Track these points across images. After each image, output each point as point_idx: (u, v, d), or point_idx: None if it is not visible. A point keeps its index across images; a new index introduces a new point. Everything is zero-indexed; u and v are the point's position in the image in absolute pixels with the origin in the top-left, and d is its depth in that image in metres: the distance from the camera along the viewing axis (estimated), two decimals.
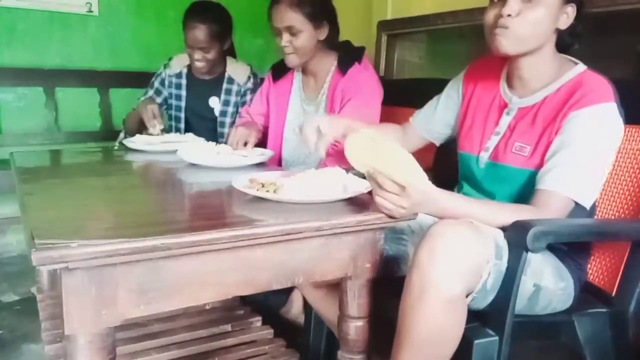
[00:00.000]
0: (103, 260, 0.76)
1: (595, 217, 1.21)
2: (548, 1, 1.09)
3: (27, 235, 0.78)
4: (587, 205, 1.06)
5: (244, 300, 1.80)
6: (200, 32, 2.03)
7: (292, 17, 1.62)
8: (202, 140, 1.89)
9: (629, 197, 1.15)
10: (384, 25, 2.61)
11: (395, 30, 2.54)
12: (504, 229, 1.00)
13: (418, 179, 0.95)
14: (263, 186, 1.07)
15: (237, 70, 2.21)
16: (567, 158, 1.05)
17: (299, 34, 1.64)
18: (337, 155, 1.52)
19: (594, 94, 1.06)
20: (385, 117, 1.73)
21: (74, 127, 2.99)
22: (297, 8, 1.62)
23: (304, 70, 1.83)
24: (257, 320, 1.70)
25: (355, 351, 1.08)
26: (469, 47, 2.32)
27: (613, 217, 1.19)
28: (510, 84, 1.22)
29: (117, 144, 1.91)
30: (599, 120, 1.05)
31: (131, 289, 0.81)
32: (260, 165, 1.54)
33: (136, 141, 1.82)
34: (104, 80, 3.00)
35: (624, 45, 1.78)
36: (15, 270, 2.42)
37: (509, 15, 1.08)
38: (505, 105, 1.21)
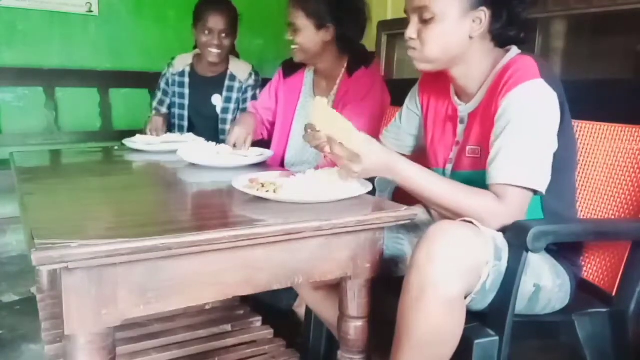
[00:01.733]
0: (103, 260, 0.76)
1: (592, 216, 1.21)
2: (445, 17, 1.08)
3: (27, 235, 0.78)
4: (542, 189, 1.03)
5: (244, 300, 1.80)
6: (223, 15, 2.10)
7: (295, 14, 1.66)
8: (202, 140, 1.89)
9: (629, 197, 1.15)
10: (384, 25, 2.61)
11: (395, 30, 2.54)
12: (503, 229, 1.00)
13: (367, 146, 1.03)
14: (263, 186, 1.07)
15: (239, 68, 2.25)
16: (506, 144, 1.02)
17: (299, 32, 1.67)
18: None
19: (518, 75, 1.04)
20: (386, 118, 1.73)
21: (74, 127, 2.99)
22: (299, 6, 1.65)
23: (316, 70, 1.84)
24: (257, 320, 1.70)
25: (355, 351, 1.08)
26: None
27: (613, 217, 1.19)
28: (457, 93, 1.22)
29: (115, 147, 1.92)
30: (526, 99, 1.02)
31: (131, 289, 0.81)
32: (260, 165, 1.54)
33: (136, 141, 1.82)
34: (104, 80, 3.00)
35: (624, 45, 1.78)
36: (15, 270, 2.42)
37: (411, 38, 1.12)
38: (457, 115, 1.20)
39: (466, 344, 0.96)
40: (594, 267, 1.20)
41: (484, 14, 1.09)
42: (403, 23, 1.19)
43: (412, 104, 1.37)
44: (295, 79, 1.87)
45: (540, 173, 1.02)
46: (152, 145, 1.80)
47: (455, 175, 1.18)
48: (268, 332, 1.66)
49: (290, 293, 1.82)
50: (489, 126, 1.08)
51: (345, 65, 1.76)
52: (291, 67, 1.88)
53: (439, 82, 1.26)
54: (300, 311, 1.83)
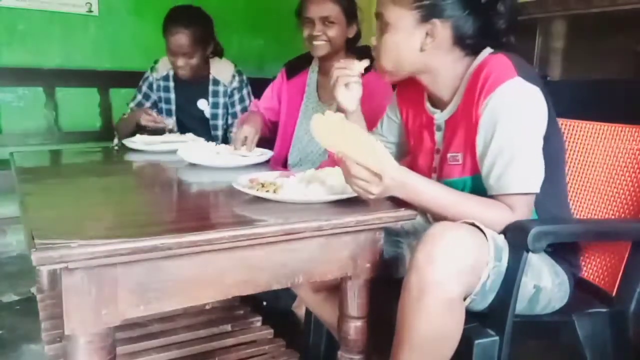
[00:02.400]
0: (103, 260, 0.76)
1: (592, 216, 1.21)
2: (397, 28, 1.08)
3: (27, 235, 0.78)
4: (537, 189, 1.02)
5: (244, 300, 1.80)
6: (183, 38, 2.01)
7: (331, 8, 1.69)
8: (202, 140, 1.89)
9: (629, 197, 1.15)
10: None
11: None
12: (503, 230, 1.00)
13: (389, 166, 0.96)
14: (263, 186, 1.07)
15: (220, 71, 2.19)
16: (499, 153, 1.00)
17: (333, 26, 1.69)
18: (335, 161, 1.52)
19: (493, 77, 1.00)
20: None
21: (74, 127, 2.99)
22: (337, 1, 1.68)
23: (322, 71, 1.83)
24: (257, 320, 1.70)
25: (355, 351, 1.08)
26: None
27: (613, 217, 1.19)
28: (431, 101, 1.20)
29: (115, 147, 1.91)
30: (508, 101, 0.99)
31: (131, 289, 0.81)
32: (261, 165, 1.54)
33: (136, 141, 1.82)
34: (104, 80, 3.00)
35: (624, 45, 1.78)
36: (15, 270, 2.42)
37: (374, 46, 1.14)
38: (433, 123, 1.18)
39: (466, 344, 0.96)
40: (594, 267, 1.20)
41: (435, 27, 1.06)
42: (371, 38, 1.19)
43: (392, 113, 1.35)
44: (298, 80, 1.87)
45: (536, 174, 1.02)
46: (152, 145, 1.80)
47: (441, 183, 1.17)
48: (268, 332, 1.66)
49: (289, 293, 1.82)
50: (471, 132, 1.06)
51: None
52: (294, 68, 1.88)
53: (413, 89, 1.24)
54: (300, 312, 1.83)
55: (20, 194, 1.11)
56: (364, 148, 0.95)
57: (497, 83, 1.00)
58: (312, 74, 1.87)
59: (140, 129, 2.02)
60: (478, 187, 1.07)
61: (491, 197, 1.04)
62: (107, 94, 3.04)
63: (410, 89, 1.25)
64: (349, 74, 1.27)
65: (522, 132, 1.01)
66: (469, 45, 1.09)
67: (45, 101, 2.90)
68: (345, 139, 0.96)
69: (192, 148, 1.60)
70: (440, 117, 1.17)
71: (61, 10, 2.87)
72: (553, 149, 1.06)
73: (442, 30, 1.06)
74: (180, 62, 2.06)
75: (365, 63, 1.28)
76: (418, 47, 1.08)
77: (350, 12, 1.72)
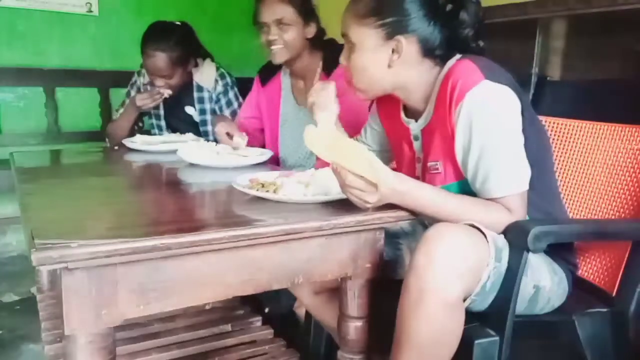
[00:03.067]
0: (103, 260, 0.76)
1: (592, 216, 1.21)
2: (362, 47, 1.09)
3: (27, 235, 0.78)
4: (527, 185, 1.02)
5: (244, 300, 1.80)
6: (159, 61, 1.96)
7: (284, 10, 1.61)
8: (202, 140, 1.89)
9: (629, 197, 1.15)
10: None
11: None
12: (503, 230, 1.00)
13: (384, 175, 0.95)
14: (263, 186, 1.07)
15: (203, 76, 2.12)
16: (481, 159, 1.00)
17: (289, 28, 1.62)
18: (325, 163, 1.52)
19: (461, 84, 1.00)
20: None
21: (74, 127, 2.99)
22: (289, 2, 1.61)
23: (292, 73, 1.80)
24: (257, 320, 1.70)
25: (355, 351, 1.08)
26: None
27: (613, 217, 1.19)
28: (405, 112, 1.20)
29: (115, 147, 1.91)
30: (479, 105, 0.99)
31: (131, 289, 0.80)
32: (260, 165, 1.54)
33: (136, 141, 1.82)
34: (104, 80, 3.00)
35: (624, 45, 1.78)
36: (15, 270, 2.42)
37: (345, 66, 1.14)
38: (410, 132, 1.18)
39: (466, 344, 0.96)
40: (594, 267, 1.20)
41: (400, 44, 1.06)
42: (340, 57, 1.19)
43: (374, 121, 1.35)
44: (273, 85, 1.84)
45: (523, 170, 1.02)
46: (152, 145, 1.80)
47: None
48: (268, 332, 1.66)
49: (289, 294, 1.82)
50: (447, 140, 1.06)
51: (321, 63, 1.72)
52: (267, 75, 1.85)
53: (389, 101, 1.23)
54: (301, 312, 1.83)
55: (20, 194, 1.11)
56: (358, 158, 0.95)
57: (465, 89, 1.00)
58: (284, 78, 1.84)
59: (137, 129, 2.01)
60: (464, 193, 1.06)
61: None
62: (107, 94, 3.04)
63: (386, 101, 1.25)
64: (326, 101, 1.29)
65: (499, 132, 1.00)
66: (438, 55, 1.09)
67: (45, 101, 2.90)
68: (338, 150, 0.96)
69: (192, 148, 1.60)
70: (415, 127, 1.17)
71: (61, 10, 2.87)
72: (536, 147, 1.06)
73: (408, 45, 1.07)
74: (159, 82, 2.03)
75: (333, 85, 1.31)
76: (386, 64, 1.09)
77: (305, 11, 1.64)
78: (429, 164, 1.12)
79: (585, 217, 1.23)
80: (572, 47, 2.01)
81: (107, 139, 2.27)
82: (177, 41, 1.99)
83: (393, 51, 1.07)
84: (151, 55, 1.96)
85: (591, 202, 1.22)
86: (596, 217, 1.21)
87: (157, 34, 1.98)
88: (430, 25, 1.06)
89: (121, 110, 2.23)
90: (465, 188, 1.06)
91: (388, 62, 1.08)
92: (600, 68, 1.73)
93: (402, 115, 1.20)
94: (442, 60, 1.10)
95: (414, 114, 1.17)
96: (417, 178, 1.17)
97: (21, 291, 2.20)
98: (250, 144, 1.80)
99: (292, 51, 1.67)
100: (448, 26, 1.07)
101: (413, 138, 1.18)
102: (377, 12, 1.07)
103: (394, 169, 1.14)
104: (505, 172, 1.00)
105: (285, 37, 1.63)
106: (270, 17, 1.62)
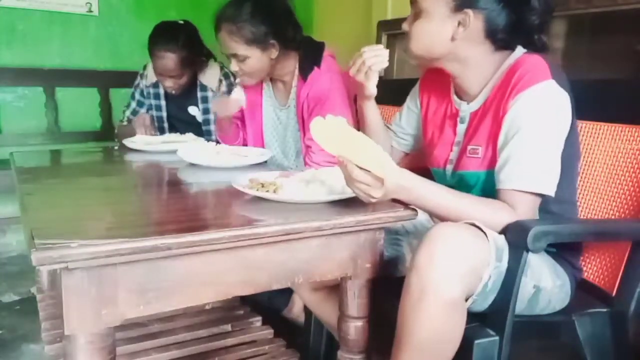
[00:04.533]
0: (103, 260, 0.76)
1: (592, 216, 1.21)
2: (430, 14, 1.09)
3: (27, 235, 0.78)
4: (552, 193, 1.02)
5: (244, 300, 1.80)
6: (169, 62, 1.97)
7: (234, 46, 1.57)
8: (202, 140, 1.89)
9: (629, 197, 1.15)
10: (384, 25, 2.61)
11: (395, 30, 2.54)
12: (503, 230, 1.00)
13: (391, 170, 0.95)
14: (263, 186, 1.07)
15: (207, 76, 2.13)
16: (517, 149, 1.02)
17: (246, 60, 1.59)
18: (316, 164, 1.52)
19: (528, 76, 1.02)
20: (385, 117, 1.73)
21: (74, 127, 3.00)
22: (237, 36, 1.56)
23: (272, 78, 1.79)
24: (257, 320, 1.70)
25: (355, 351, 1.08)
26: None
27: (613, 217, 1.19)
28: (457, 92, 1.21)
29: (115, 147, 1.91)
30: (538, 101, 1.01)
31: (131, 289, 0.80)
32: (260, 165, 1.54)
33: (136, 141, 1.82)
34: (104, 80, 3.01)
35: (624, 45, 1.78)
36: (15, 270, 2.42)
37: (406, 31, 1.15)
38: (458, 114, 1.19)
39: (466, 344, 0.96)
40: (594, 267, 1.20)
41: (467, 17, 1.07)
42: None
43: (412, 103, 1.36)
44: (254, 88, 1.81)
45: (549, 176, 1.02)
46: (152, 145, 1.80)
47: (456, 176, 1.18)
48: (268, 332, 1.66)
49: (282, 300, 1.83)
50: (495, 127, 1.07)
51: (297, 65, 1.70)
52: None
53: (440, 80, 1.25)
54: (291, 316, 1.84)
55: (20, 194, 1.11)
56: (365, 152, 0.95)
57: (530, 82, 1.01)
58: (265, 80, 1.81)
59: None
60: (491, 183, 1.07)
61: (497, 191, 1.04)
62: (107, 94, 3.04)
63: (436, 79, 1.26)
64: (382, 62, 1.24)
65: (544, 134, 1.01)
66: (500, 39, 1.10)
67: (45, 101, 2.90)
68: (345, 142, 0.96)
69: (192, 148, 1.60)
70: (466, 109, 1.17)
71: (61, 10, 2.88)
72: (568, 155, 1.07)
73: (475, 21, 1.07)
74: (169, 82, 2.04)
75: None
76: (450, 35, 1.09)
77: (258, 40, 1.57)
78: (470, 147, 1.13)
79: (585, 217, 1.23)
80: (572, 47, 2.01)
81: (116, 140, 2.28)
82: (185, 41, 2.00)
83: (459, 24, 1.08)
84: (161, 56, 1.97)
85: (591, 202, 1.22)
86: (596, 217, 1.21)
87: (165, 35, 1.99)
88: (499, 5, 1.07)
89: (127, 112, 2.24)
90: (492, 178, 1.07)
91: (452, 34, 1.09)
92: (600, 68, 1.73)
93: (454, 96, 1.21)
94: (503, 46, 1.11)
95: (463, 96, 1.18)
96: (450, 161, 1.19)
97: (21, 291, 2.20)
98: (238, 143, 1.81)
99: (257, 75, 1.66)
100: (517, 10, 1.08)
101: (460, 120, 1.19)
102: None
103: (404, 164, 1.15)
104: (530, 170, 1.01)
105: (245, 69, 1.62)
106: (226, 51, 1.61)
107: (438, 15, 1.09)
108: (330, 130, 0.97)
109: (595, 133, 1.24)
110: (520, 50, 1.11)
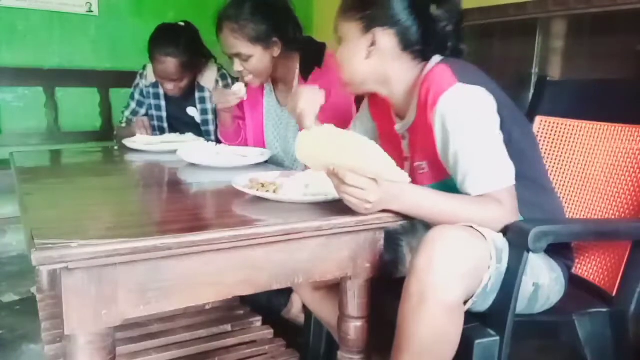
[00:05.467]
0: (103, 260, 0.76)
1: (592, 216, 1.21)
2: (346, 39, 1.14)
3: (27, 235, 0.78)
4: (513, 180, 1.02)
5: (244, 300, 1.80)
6: (170, 67, 1.97)
7: (237, 44, 1.58)
8: (201, 140, 1.89)
9: (629, 197, 1.15)
10: None
11: None
12: (503, 230, 1.00)
13: (389, 170, 0.94)
14: (263, 186, 1.07)
15: (205, 76, 2.13)
16: (464, 157, 1.01)
17: (249, 59, 1.59)
18: None
19: (434, 88, 1.03)
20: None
21: (74, 127, 2.99)
22: (239, 35, 1.56)
23: (272, 80, 1.79)
24: (257, 320, 1.70)
25: (355, 351, 1.08)
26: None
27: (613, 217, 1.19)
28: (395, 111, 1.22)
29: (115, 147, 1.91)
30: (454, 107, 1.01)
31: (131, 289, 0.80)
32: (260, 165, 1.54)
33: (136, 141, 1.82)
34: (104, 80, 3.00)
35: (624, 45, 1.78)
36: (15, 270, 2.43)
37: None
38: (396, 133, 1.21)
39: (466, 344, 0.96)
40: (594, 267, 1.20)
41: (377, 35, 1.10)
42: None
43: (365, 117, 1.36)
44: (255, 88, 1.81)
45: (505, 165, 1.02)
46: (152, 145, 1.80)
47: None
48: (268, 332, 1.66)
49: (281, 300, 1.83)
50: (429, 140, 1.07)
51: (298, 65, 1.70)
52: None
53: (382, 99, 1.25)
54: (290, 317, 1.84)
55: (20, 194, 1.11)
56: (356, 153, 0.92)
57: (439, 93, 1.02)
58: (266, 84, 1.82)
59: None
60: (452, 191, 1.05)
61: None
62: (107, 94, 3.04)
63: (379, 99, 1.26)
64: (315, 107, 1.33)
65: (472, 132, 1.01)
66: (417, 51, 1.12)
67: (45, 101, 2.90)
68: (335, 149, 0.94)
69: (192, 148, 1.60)
70: (401, 126, 1.19)
71: (61, 10, 2.87)
72: (522, 144, 1.07)
73: (384, 37, 1.10)
74: (169, 86, 2.05)
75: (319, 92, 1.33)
76: (364, 55, 1.13)
77: (261, 38, 1.57)
78: (416, 163, 1.14)
79: (585, 217, 1.23)
80: (572, 47, 2.01)
81: (115, 141, 2.28)
82: (186, 44, 1.99)
83: (371, 44, 1.11)
84: (161, 61, 1.97)
85: (591, 202, 1.22)
86: (596, 217, 1.21)
87: (166, 39, 1.97)
88: (409, 19, 1.09)
89: (127, 113, 2.23)
90: (447, 188, 1.06)
91: (366, 54, 1.12)
92: (600, 68, 1.73)
93: (393, 114, 1.23)
94: (421, 57, 1.13)
95: (400, 113, 1.20)
96: (410, 177, 1.17)
97: (21, 291, 2.20)
98: (240, 143, 1.81)
99: (262, 75, 1.66)
100: (425, 21, 1.10)
101: (402, 137, 1.20)
102: (358, 5, 1.12)
103: None
104: (483, 170, 1.01)
105: (249, 68, 1.62)
106: (229, 51, 1.61)
107: (352, 39, 1.13)
108: (317, 141, 0.96)
109: (595, 133, 1.24)
110: (434, 60, 1.11)
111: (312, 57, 1.68)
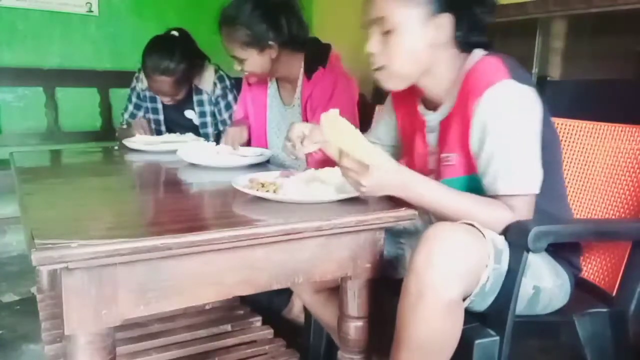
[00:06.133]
0: (103, 260, 0.75)
1: (592, 216, 1.21)
2: (406, 27, 1.04)
3: (27, 235, 0.78)
4: (537, 189, 1.01)
5: (244, 300, 1.80)
6: (164, 85, 1.97)
7: (232, 47, 1.61)
8: (201, 140, 1.89)
9: (629, 197, 1.15)
10: None
11: None
12: (503, 230, 1.00)
13: (378, 156, 0.98)
14: (263, 186, 1.07)
15: (202, 79, 2.11)
16: (495, 153, 1.00)
17: (244, 61, 1.62)
18: (318, 164, 1.51)
19: (484, 79, 1.00)
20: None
21: (74, 127, 2.99)
22: (233, 38, 1.59)
23: (276, 78, 1.80)
24: (257, 320, 1.70)
25: (355, 351, 1.08)
26: None
27: (613, 217, 1.19)
28: (424, 102, 1.19)
29: (115, 148, 1.91)
30: (501, 102, 0.99)
31: (131, 289, 0.80)
32: (260, 165, 1.54)
33: (136, 141, 1.82)
34: (104, 80, 3.00)
35: (624, 45, 1.78)
36: (15, 270, 2.43)
37: (373, 54, 1.08)
38: (425, 125, 1.18)
39: (466, 344, 0.96)
40: (594, 267, 1.20)
41: (446, 19, 1.05)
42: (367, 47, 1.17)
43: (388, 114, 1.35)
44: (259, 85, 1.84)
45: (535, 174, 1.01)
46: (152, 145, 1.80)
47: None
48: (268, 332, 1.66)
49: (281, 300, 1.83)
50: (464, 133, 1.06)
51: (303, 65, 1.71)
52: None
53: (407, 92, 1.22)
54: (291, 316, 1.84)
55: (20, 194, 1.11)
56: (353, 140, 0.98)
57: (487, 85, 1.00)
58: (271, 83, 1.83)
59: None
60: (475, 187, 1.06)
61: (490, 197, 1.04)
62: (107, 94, 3.04)
63: (403, 92, 1.23)
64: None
65: (516, 132, 1.00)
66: (464, 41, 1.09)
67: (45, 101, 2.90)
68: (339, 132, 0.99)
69: (192, 148, 1.60)
70: (433, 118, 1.16)
71: (61, 10, 2.87)
72: (549, 151, 1.06)
73: (447, 25, 1.06)
74: (165, 98, 2.06)
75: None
76: (430, 42, 1.06)
77: (254, 43, 1.58)
78: (443, 155, 1.12)
79: (585, 217, 1.23)
80: (572, 47, 2.01)
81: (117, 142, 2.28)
82: (181, 59, 1.96)
83: (436, 29, 1.06)
84: (156, 80, 1.96)
85: (591, 202, 1.22)
86: (596, 217, 1.21)
87: (160, 57, 1.94)
88: (464, 5, 1.06)
89: (126, 116, 2.24)
90: (474, 183, 1.06)
91: (432, 41, 1.06)
92: (600, 68, 1.73)
93: (420, 106, 1.20)
94: (462, 48, 1.10)
95: (432, 105, 1.17)
96: (430, 172, 1.17)
97: (21, 291, 2.20)
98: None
99: (260, 73, 1.67)
100: (475, 10, 1.07)
101: (428, 130, 1.18)
102: None
103: (403, 163, 1.14)
104: (516, 173, 1.00)
105: (246, 68, 1.64)
106: (229, 52, 1.64)
107: (416, 25, 1.05)
108: (329, 121, 1.00)
109: (595, 133, 1.24)
110: (479, 53, 1.08)
111: (317, 57, 1.69)
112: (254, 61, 1.62)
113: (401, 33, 1.06)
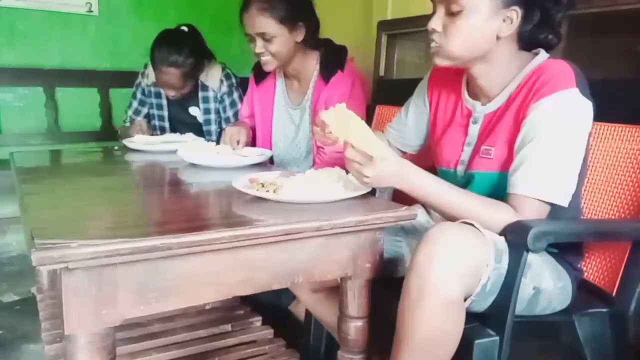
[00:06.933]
0: (103, 260, 0.75)
1: (592, 216, 1.21)
2: (475, 12, 1.02)
3: (27, 235, 0.78)
4: (565, 203, 1.01)
5: (244, 300, 1.80)
6: (172, 77, 1.97)
7: (264, 23, 1.56)
8: (202, 140, 1.89)
9: (629, 197, 1.15)
10: (384, 25, 2.61)
11: (395, 30, 2.54)
12: (503, 230, 1.00)
13: (381, 149, 1.01)
14: (263, 186, 1.07)
15: (208, 76, 2.12)
16: (532, 154, 1.00)
17: (274, 40, 1.58)
18: (325, 164, 1.51)
19: (552, 82, 1.00)
20: (385, 117, 1.73)
21: (74, 127, 3.00)
22: (268, 13, 1.55)
23: (286, 74, 1.79)
24: (257, 320, 1.70)
25: (355, 351, 1.08)
26: None
27: (613, 217, 1.18)
28: (471, 92, 1.18)
29: (115, 148, 1.91)
30: (560, 109, 0.99)
31: (131, 289, 0.81)
32: (260, 165, 1.54)
33: (136, 141, 1.82)
34: (104, 80, 3.00)
35: (624, 45, 1.78)
36: (15, 270, 2.43)
37: (435, 31, 1.07)
38: (470, 114, 1.17)
39: (466, 344, 0.96)
40: (594, 267, 1.20)
41: (516, 13, 1.03)
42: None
43: (420, 101, 1.32)
44: (267, 84, 1.83)
45: (561, 186, 1.01)
46: (152, 145, 1.80)
47: (467, 176, 1.16)
48: (268, 332, 1.66)
49: (287, 292, 1.82)
50: (513, 129, 1.05)
51: (318, 66, 1.70)
52: (261, 74, 1.82)
53: (449, 78, 1.22)
54: (297, 310, 1.84)
55: (20, 194, 1.11)
56: (358, 132, 1.01)
57: (555, 88, 0.99)
58: (279, 78, 1.83)
59: None
60: (502, 185, 1.06)
61: (507, 194, 1.03)
62: (107, 94, 3.04)
63: (445, 78, 1.23)
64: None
65: (562, 142, 1.00)
66: (527, 37, 1.08)
67: (45, 101, 2.90)
68: (345, 125, 1.03)
69: (192, 148, 1.60)
70: (480, 110, 1.15)
71: (61, 10, 2.87)
72: (584, 164, 1.06)
73: (516, 17, 1.04)
74: (171, 92, 2.05)
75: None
76: (495, 33, 1.05)
77: (289, 18, 1.58)
78: (483, 147, 1.11)
79: (585, 217, 1.23)
80: (572, 47, 2.00)
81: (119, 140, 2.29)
82: (189, 53, 1.97)
83: (504, 21, 1.04)
84: (164, 72, 1.96)
85: (591, 202, 1.22)
86: (596, 217, 1.21)
87: (169, 49, 1.95)
88: (539, 1, 1.04)
89: (130, 112, 2.24)
90: (505, 182, 1.05)
91: (498, 32, 1.04)
92: (600, 68, 1.72)
93: (466, 95, 1.19)
94: (524, 45, 1.09)
95: (478, 96, 1.16)
96: (461, 162, 1.17)
97: (21, 291, 2.20)
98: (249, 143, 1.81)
99: (281, 59, 1.64)
100: (545, 5, 1.05)
101: (472, 120, 1.17)
102: None
103: (408, 157, 1.15)
104: (541, 175, 1.00)
105: (271, 49, 1.60)
106: (253, 30, 1.59)
107: (485, 12, 1.03)
108: (336, 115, 1.04)
109: (595, 133, 1.24)
110: (542, 56, 1.09)
111: (334, 59, 1.69)
112: (284, 40, 1.59)
113: (468, 16, 1.04)
